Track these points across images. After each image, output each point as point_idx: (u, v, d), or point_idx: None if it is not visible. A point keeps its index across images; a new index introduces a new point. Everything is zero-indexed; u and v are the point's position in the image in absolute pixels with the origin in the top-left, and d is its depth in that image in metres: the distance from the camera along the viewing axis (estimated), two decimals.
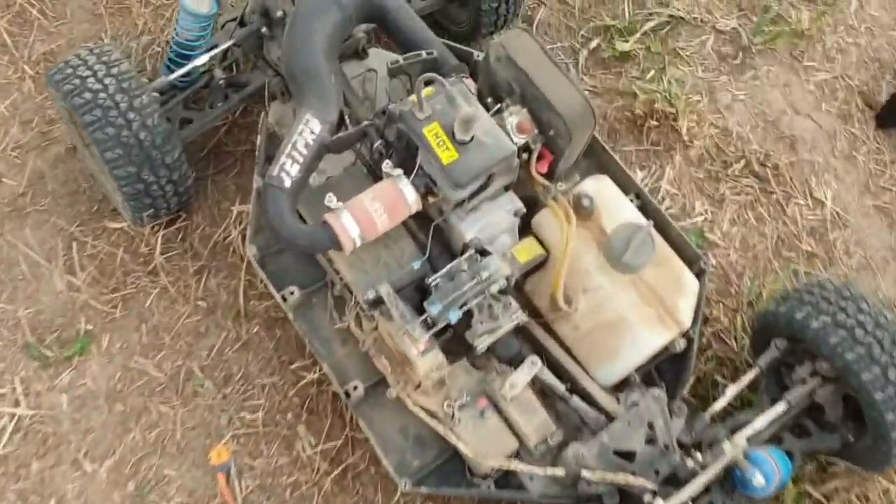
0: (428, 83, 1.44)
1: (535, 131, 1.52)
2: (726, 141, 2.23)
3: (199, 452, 1.76)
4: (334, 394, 1.73)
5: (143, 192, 1.75)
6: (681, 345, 1.56)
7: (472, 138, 1.41)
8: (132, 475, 1.74)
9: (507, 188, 1.58)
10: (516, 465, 1.43)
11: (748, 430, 1.49)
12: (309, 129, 1.48)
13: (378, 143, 1.50)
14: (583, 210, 1.56)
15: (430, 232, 1.53)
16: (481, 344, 1.41)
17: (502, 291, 1.41)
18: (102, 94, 1.66)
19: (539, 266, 1.58)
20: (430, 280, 1.48)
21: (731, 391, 1.58)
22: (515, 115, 1.50)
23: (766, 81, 2.35)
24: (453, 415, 1.45)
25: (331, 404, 1.78)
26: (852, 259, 2.11)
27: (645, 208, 1.69)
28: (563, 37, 2.37)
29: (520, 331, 1.57)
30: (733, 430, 1.52)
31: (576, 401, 1.48)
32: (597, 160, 1.76)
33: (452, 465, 1.55)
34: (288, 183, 1.44)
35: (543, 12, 2.39)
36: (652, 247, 1.52)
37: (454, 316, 1.37)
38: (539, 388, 1.51)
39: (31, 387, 1.81)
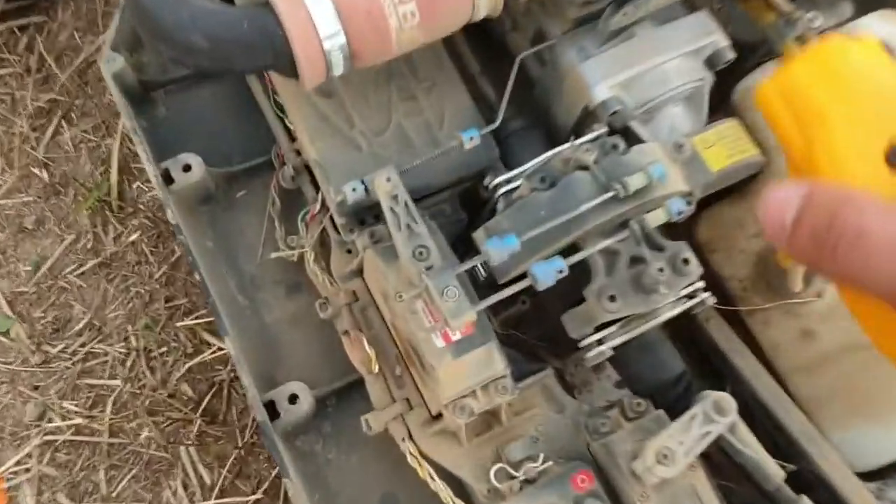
0: None
1: None
2: None
3: None
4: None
5: None
6: None
7: None
8: None
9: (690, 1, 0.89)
10: None
11: None
12: None
13: None
14: None
15: (512, 71, 0.83)
16: (601, 348, 0.74)
17: (665, 227, 0.75)
18: None
19: (735, 189, 0.91)
20: (494, 182, 0.81)
21: None
22: None
23: None
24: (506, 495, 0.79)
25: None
26: None
27: None
28: None
29: (686, 331, 0.89)
30: None
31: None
32: None
33: None
34: None
35: None
36: None
37: (548, 271, 0.68)
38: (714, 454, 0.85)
39: None
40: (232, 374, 1.19)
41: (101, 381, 1.20)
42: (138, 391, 1.19)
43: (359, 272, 0.85)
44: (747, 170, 0.87)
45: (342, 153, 0.84)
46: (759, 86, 0.64)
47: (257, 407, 0.81)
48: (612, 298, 0.73)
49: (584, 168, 0.76)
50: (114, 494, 1.16)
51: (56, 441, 1.18)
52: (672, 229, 0.90)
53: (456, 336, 0.73)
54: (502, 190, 0.81)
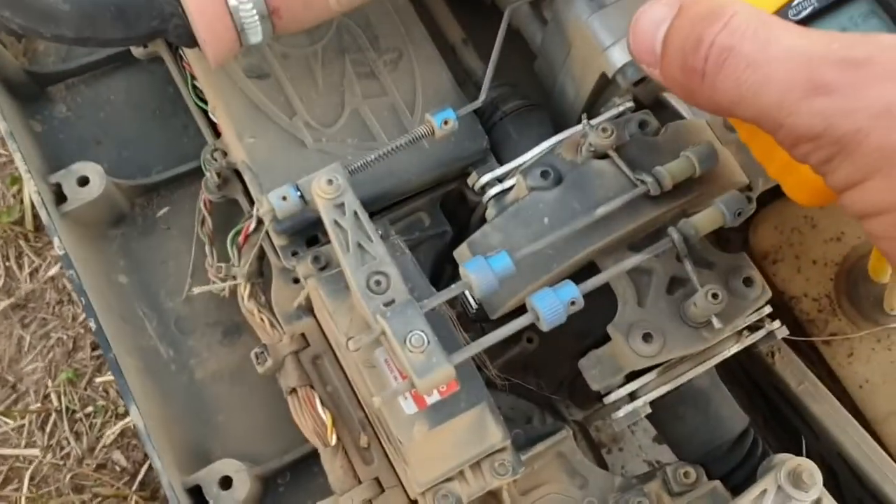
0: None
1: None
2: None
3: None
4: None
5: None
6: None
7: None
8: None
9: None
10: None
11: None
12: None
13: None
14: None
15: (501, 27, 0.65)
16: (635, 404, 0.56)
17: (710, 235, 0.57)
18: None
19: None
20: (480, 181, 0.64)
21: None
22: None
23: None
24: None
25: None
26: None
27: None
28: None
29: (743, 367, 0.71)
30: None
31: None
32: None
33: None
34: None
35: None
36: None
37: (557, 303, 0.50)
38: None
39: None
40: None
41: (16, 451, 1.03)
42: (60, 462, 1.02)
43: (309, 308, 0.67)
44: None
45: (279, 151, 0.67)
46: None
47: (173, 497, 0.64)
48: (647, 338, 0.55)
49: (603, 157, 0.58)
50: None
51: None
52: (718, 237, 0.72)
53: (433, 397, 0.56)
54: (492, 191, 0.64)
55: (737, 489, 0.63)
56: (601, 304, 0.59)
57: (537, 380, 0.76)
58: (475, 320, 0.68)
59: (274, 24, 0.57)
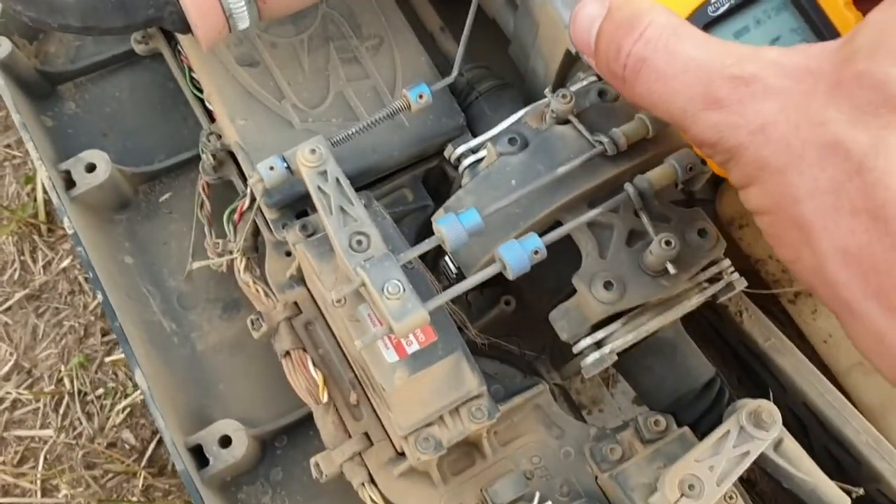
0: None
1: None
2: None
3: None
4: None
5: None
6: None
7: None
8: None
9: None
10: None
11: None
12: None
13: None
14: None
15: (471, 9, 0.70)
16: (602, 351, 0.60)
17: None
18: None
19: None
20: (455, 153, 0.68)
21: None
22: None
23: None
24: None
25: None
26: None
27: None
28: None
29: (715, 329, 0.75)
30: None
31: None
32: None
33: None
34: None
35: None
36: None
37: (521, 252, 0.53)
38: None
39: None
40: None
41: (32, 433, 1.08)
42: (73, 441, 1.06)
43: (301, 278, 0.71)
44: None
45: (269, 132, 0.71)
46: None
47: (175, 454, 0.68)
48: (608, 286, 0.59)
49: (565, 122, 0.62)
50: None
51: None
52: (687, 206, 0.76)
53: (412, 346, 0.60)
54: (467, 161, 0.68)
55: (705, 435, 0.67)
56: (571, 261, 0.63)
57: (520, 344, 0.80)
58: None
59: (260, 9, 0.61)
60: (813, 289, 0.43)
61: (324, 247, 0.63)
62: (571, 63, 0.71)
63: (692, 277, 0.61)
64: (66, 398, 1.08)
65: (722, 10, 0.48)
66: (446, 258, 0.69)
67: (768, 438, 0.62)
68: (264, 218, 0.73)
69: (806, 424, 0.77)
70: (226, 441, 0.72)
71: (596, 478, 0.65)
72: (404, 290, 0.53)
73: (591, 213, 0.58)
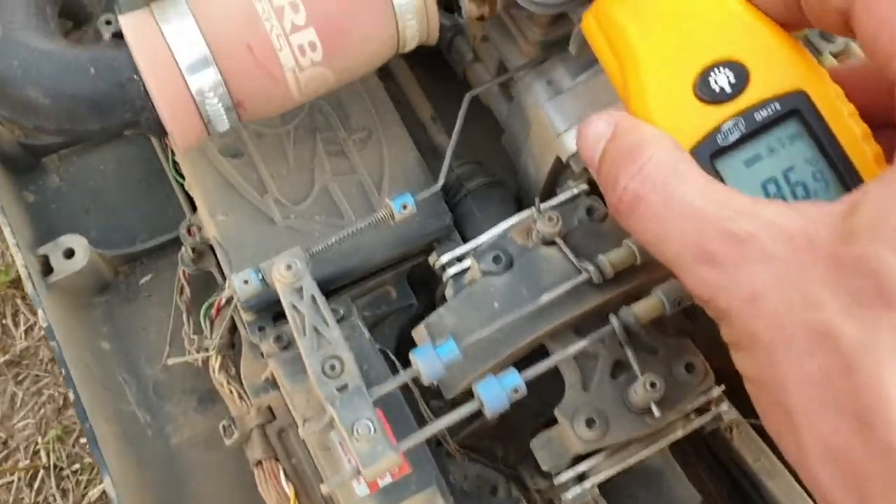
0: None
1: None
2: None
3: None
4: None
5: None
6: None
7: None
8: None
9: None
10: None
11: None
12: None
13: None
14: None
15: (460, 112, 0.67)
16: (584, 485, 0.57)
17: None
18: None
19: None
20: (438, 261, 0.65)
21: None
22: None
23: None
24: None
25: None
26: None
27: None
28: None
29: (706, 443, 0.72)
30: None
31: None
32: None
33: None
34: None
35: None
36: None
37: (500, 391, 0.51)
38: None
39: None
40: None
41: None
42: None
43: (276, 382, 0.68)
44: None
45: (250, 228, 0.68)
46: (584, 15, 0.53)
47: None
48: (590, 423, 0.56)
49: (551, 243, 0.59)
50: None
51: None
52: (687, 316, 0.73)
53: (385, 479, 0.57)
54: (451, 271, 0.65)
55: None
56: (555, 384, 0.60)
57: (504, 448, 0.77)
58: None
59: (239, 114, 0.59)
60: (796, 469, 0.40)
61: (297, 366, 0.60)
62: (562, 169, 0.68)
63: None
64: (42, 472, 1.05)
65: (732, 139, 0.45)
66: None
67: None
68: (241, 316, 0.70)
69: None
70: None
71: None
72: (375, 430, 0.50)
73: (576, 347, 0.55)
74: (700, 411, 0.60)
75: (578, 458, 0.59)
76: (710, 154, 0.45)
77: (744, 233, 0.39)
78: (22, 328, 1.13)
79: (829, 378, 0.36)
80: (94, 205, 0.85)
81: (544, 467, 0.59)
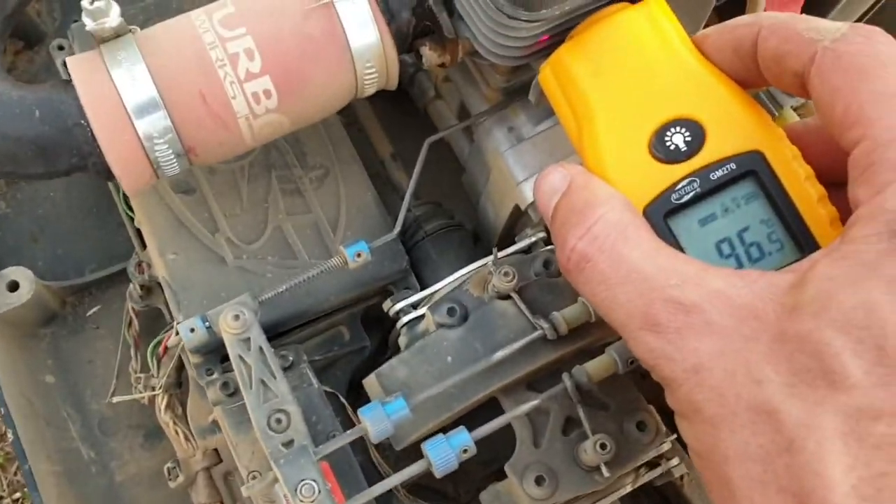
0: None
1: None
2: None
3: None
4: None
5: None
6: None
7: None
8: None
9: None
10: None
11: None
12: None
13: None
14: None
15: (419, 157, 0.66)
16: None
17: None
18: None
19: None
20: (393, 309, 0.64)
21: None
22: None
23: None
24: None
25: None
26: None
27: None
28: None
29: (659, 491, 0.72)
30: None
31: None
32: None
33: None
34: None
35: None
36: None
37: (448, 451, 0.49)
38: None
39: None
40: None
41: None
42: None
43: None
44: None
45: (200, 269, 0.67)
46: (542, 67, 0.52)
47: None
48: (540, 481, 0.55)
49: (507, 297, 0.59)
50: None
51: None
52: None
53: None
54: (405, 319, 0.64)
55: None
56: (505, 434, 0.59)
57: (455, 488, 0.76)
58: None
59: (190, 160, 0.57)
60: None
61: (243, 416, 0.59)
62: (519, 216, 0.68)
63: None
64: None
65: (687, 197, 0.45)
66: None
67: None
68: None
69: None
70: None
71: None
72: (319, 492, 0.49)
73: (528, 405, 0.55)
74: (651, 465, 0.60)
75: None
76: (665, 213, 0.45)
77: (689, 302, 0.38)
78: None
79: (771, 456, 0.36)
80: (43, 233, 0.83)
81: None
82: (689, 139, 0.45)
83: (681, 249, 0.44)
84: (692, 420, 0.38)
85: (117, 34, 0.55)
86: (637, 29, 0.48)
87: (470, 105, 0.71)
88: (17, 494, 1.02)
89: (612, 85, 0.47)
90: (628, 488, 0.59)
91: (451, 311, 0.59)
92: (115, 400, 0.73)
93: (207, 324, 0.58)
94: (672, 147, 0.45)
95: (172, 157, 0.56)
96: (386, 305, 0.65)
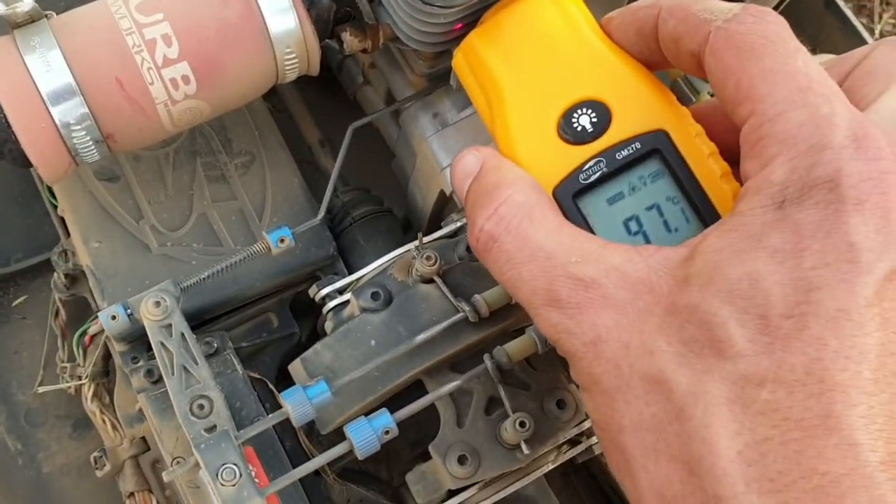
0: None
1: None
2: None
3: None
4: None
5: None
6: None
7: None
8: None
9: None
10: None
11: None
12: None
13: None
14: None
15: (343, 144, 0.67)
16: None
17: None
18: None
19: None
20: (318, 294, 0.64)
21: None
22: None
23: None
24: None
25: None
26: None
27: None
28: None
29: (585, 469, 0.73)
30: None
31: None
32: None
33: None
34: None
35: None
36: None
37: (370, 433, 0.50)
38: None
39: None
40: None
41: None
42: None
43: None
44: None
45: (124, 256, 0.66)
46: (455, 52, 0.53)
47: None
48: (463, 460, 0.56)
49: (430, 281, 0.59)
50: None
51: None
52: None
53: None
54: (331, 304, 0.64)
55: None
56: (433, 414, 0.60)
57: (388, 470, 0.77)
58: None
59: (110, 146, 0.57)
60: None
61: (167, 402, 0.59)
62: (446, 202, 0.68)
63: None
64: None
65: (594, 177, 0.46)
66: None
67: None
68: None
69: None
70: None
71: None
72: (241, 475, 0.50)
73: (450, 386, 0.55)
74: (573, 442, 0.61)
75: (452, 492, 0.59)
76: (573, 193, 0.46)
77: (588, 278, 0.39)
78: None
79: (662, 425, 0.37)
80: None
81: (419, 501, 0.59)
82: (595, 120, 0.46)
83: (590, 228, 0.45)
84: (592, 392, 0.40)
85: (32, 19, 0.54)
86: (544, 13, 0.48)
87: (396, 91, 0.72)
88: None
89: (520, 69, 0.48)
90: (550, 466, 0.60)
91: (374, 296, 0.60)
92: (41, 390, 0.72)
93: (129, 311, 0.57)
94: (579, 128, 0.46)
95: (91, 143, 0.55)
96: (312, 291, 0.65)
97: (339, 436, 0.55)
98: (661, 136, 0.46)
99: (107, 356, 0.70)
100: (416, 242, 0.62)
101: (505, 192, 0.43)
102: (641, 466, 0.38)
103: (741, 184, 0.45)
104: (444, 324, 0.56)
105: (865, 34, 0.97)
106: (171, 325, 0.55)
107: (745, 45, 0.39)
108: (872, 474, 0.33)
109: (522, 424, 0.54)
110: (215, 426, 0.52)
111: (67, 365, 0.71)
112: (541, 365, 0.60)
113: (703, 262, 0.37)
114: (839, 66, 0.45)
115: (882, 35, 1.66)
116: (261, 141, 0.72)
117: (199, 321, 0.66)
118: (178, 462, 0.58)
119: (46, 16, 0.54)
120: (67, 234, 0.72)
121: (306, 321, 0.73)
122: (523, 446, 0.55)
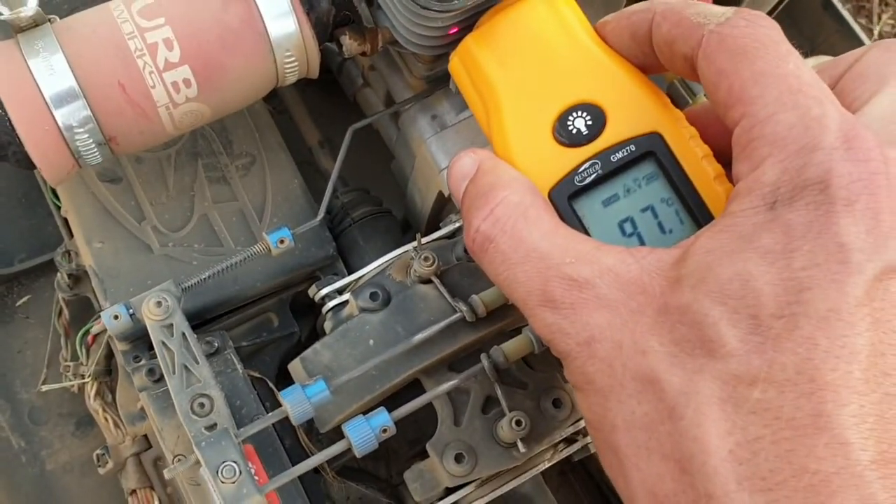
0: None
1: None
2: None
3: None
4: None
5: None
6: None
7: None
8: None
9: None
10: None
11: None
12: None
13: None
14: None
15: (343, 145, 0.67)
16: None
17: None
18: None
19: None
20: (318, 294, 0.65)
21: None
22: None
23: None
24: None
25: None
26: None
27: None
28: None
29: (582, 466, 0.73)
30: None
31: None
32: None
33: None
34: None
35: None
36: None
37: (368, 431, 0.51)
38: None
39: None
40: None
41: None
42: None
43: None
44: None
45: (126, 257, 0.67)
46: (451, 56, 0.54)
47: None
48: (459, 458, 0.57)
49: (428, 281, 0.60)
50: None
51: None
52: None
53: None
54: (331, 304, 0.65)
55: None
56: (430, 412, 0.61)
57: (387, 468, 0.77)
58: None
59: (112, 149, 0.58)
60: None
61: (168, 401, 0.59)
62: (444, 203, 0.69)
63: None
64: None
65: (589, 179, 0.46)
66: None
67: None
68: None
69: None
70: None
71: None
72: (240, 472, 0.50)
73: (448, 385, 0.56)
74: (569, 441, 0.62)
75: (450, 490, 0.60)
76: (569, 195, 0.46)
77: (582, 278, 0.40)
78: None
79: (654, 424, 0.37)
80: None
81: (416, 498, 0.60)
82: (590, 123, 0.46)
83: (585, 230, 0.45)
84: (586, 392, 0.40)
85: (35, 23, 0.54)
86: (540, 17, 0.49)
87: (395, 93, 0.72)
88: None
89: (516, 72, 0.48)
90: (546, 464, 0.60)
91: (373, 296, 0.60)
92: (44, 388, 0.72)
93: (131, 311, 0.58)
94: (574, 131, 0.46)
95: (93, 146, 0.56)
96: (311, 291, 0.66)
97: (338, 434, 0.56)
98: (656, 138, 0.46)
99: (109, 355, 0.71)
100: (415, 243, 0.63)
101: (501, 193, 0.43)
102: (634, 465, 0.38)
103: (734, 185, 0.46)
104: (442, 324, 0.57)
105: (863, 35, 0.97)
106: (172, 324, 0.55)
107: (737, 48, 0.40)
108: (863, 473, 0.33)
109: (519, 423, 0.55)
110: (215, 424, 0.53)
111: (70, 364, 0.71)
112: (537, 364, 0.60)
113: (694, 263, 0.38)
114: (832, 68, 0.45)
115: (881, 36, 1.66)
116: (261, 142, 0.73)
117: (200, 321, 0.67)
118: (179, 460, 0.58)
119: (50, 20, 0.55)
120: (70, 234, 0.73)
121: (306, 321, 0.74)
122: (519, 445, 0.56)
